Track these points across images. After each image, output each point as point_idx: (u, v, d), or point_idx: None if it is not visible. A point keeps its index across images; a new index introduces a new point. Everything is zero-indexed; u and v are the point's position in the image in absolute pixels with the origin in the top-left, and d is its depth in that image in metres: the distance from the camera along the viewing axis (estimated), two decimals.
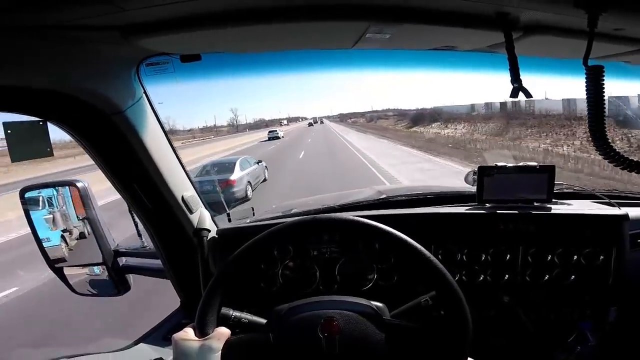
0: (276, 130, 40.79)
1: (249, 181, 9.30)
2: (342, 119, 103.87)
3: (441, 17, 0.72)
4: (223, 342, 0.71)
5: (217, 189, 6.50)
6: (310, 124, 75.99)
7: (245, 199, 8.79)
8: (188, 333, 0.72)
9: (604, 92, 0.66)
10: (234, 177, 8.67)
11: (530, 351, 1.22)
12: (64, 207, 1.28)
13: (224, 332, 0.73)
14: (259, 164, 10.78)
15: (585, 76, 0.67)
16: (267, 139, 35.81)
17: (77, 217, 1.27)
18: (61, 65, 0.73)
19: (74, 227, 1.29)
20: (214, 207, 1.30)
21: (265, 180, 10.98)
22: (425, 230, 1.09)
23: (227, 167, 9.13)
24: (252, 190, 9.40)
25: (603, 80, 0.66)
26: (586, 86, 0.67)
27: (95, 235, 1.21)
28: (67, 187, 1.25)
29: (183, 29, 0.71)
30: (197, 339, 0.72)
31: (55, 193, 1.27)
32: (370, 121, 66.93)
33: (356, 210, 1.28)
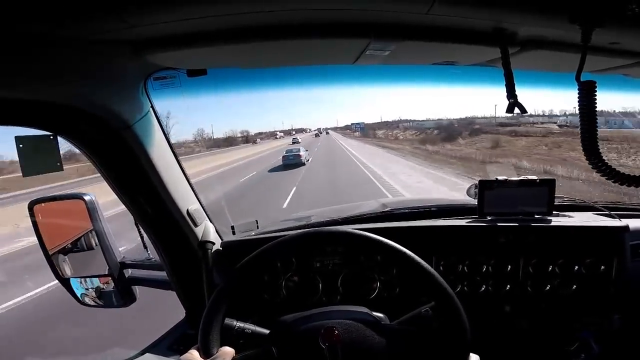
0: (297, 138, 55.83)
1: (306, 157, 19.66)
2: (365, 134, 58.93)
3: (440, 34, 0.74)
4: None
5: (296, 157, 18.67)
6: (316, 135, 77.00)
7: (304, 164, 18.36)
8: (193, 354, 0.73)
9: (595, 107, 0.67)
10: (300, 153, 19.61)
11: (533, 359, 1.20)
12: None
13: (228, 351, 0.73)
14: (307, 151, 21.79)
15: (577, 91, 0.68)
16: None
17: None
18: (72, 79, 0.74)
19: None
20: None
21: (308, 160, 19.95)
22: (427, 242, 1.10)
23: (296, 150, 20.59)
24: (306, 162, 18.87)
25: (595, 95, 0.67)
26: (579, 101, 0.68)
27: (101, 247, 1.23)
28: None
29: (191, 44, 0.73)
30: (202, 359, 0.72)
31: None
32: (446, 140, 27.41)
33: (360, 223, 1.29)
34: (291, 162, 18.39)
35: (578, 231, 1.13)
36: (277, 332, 0.78)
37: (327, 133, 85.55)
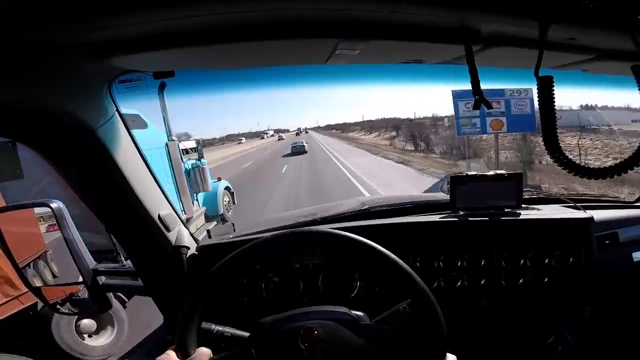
0: (282, 135, 73.73)
1: (306, 148, 28.53)
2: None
3: (406, 32, 0.74)
4: None
5: (301, 147, 28.36)
6: (297, 133, 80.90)
7: (306, 152, 27.22)
8: (170, 356, 0.72)
9: (554, 101, 0.69)
10: (304, 144, 29.55)
11: (511, 354, 1.23)
12: None
13: (205, 352, 0.73)
14: (307, 144, 30.06)
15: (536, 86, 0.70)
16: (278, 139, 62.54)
17: None
18: (30, 83, 0.71)
19: None
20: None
21: (307, 150, 27.66)
22: (403, 239, 1.11)
23: (300, 142, 30.59)
24: (306, 152, 27.08)
25: (553, 89, 0.69)
26: (538, 96, 0.70)
27: (72, 255, 1.19)
28: None
29: (156, 47, 0.71)
30: None
31: None
32: None
33: (338, 222, 1.29)
34: (298, 150, 27.83)
35: (546, 224, 1.16)
36: (257, 335, 0.77)
37: (307, 132, 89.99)
